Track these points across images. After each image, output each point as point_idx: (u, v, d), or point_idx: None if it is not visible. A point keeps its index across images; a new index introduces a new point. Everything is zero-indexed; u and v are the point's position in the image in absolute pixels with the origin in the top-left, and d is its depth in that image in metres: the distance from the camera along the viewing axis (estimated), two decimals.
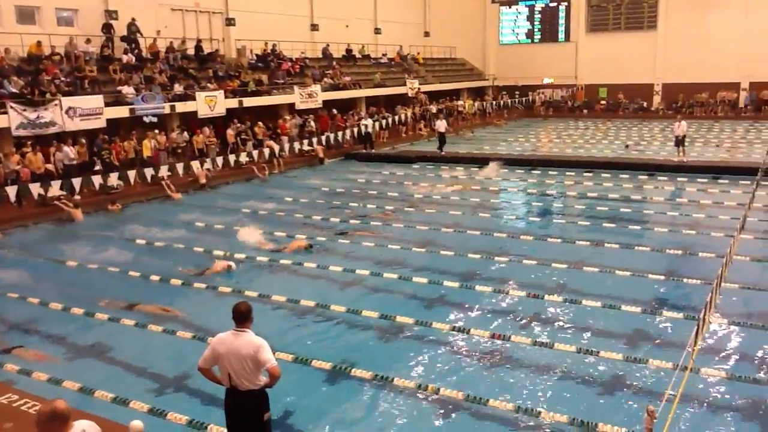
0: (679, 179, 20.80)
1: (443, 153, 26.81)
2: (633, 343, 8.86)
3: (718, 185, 19.63)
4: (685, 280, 11.26)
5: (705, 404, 7.29)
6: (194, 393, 7.76)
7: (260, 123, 25.75)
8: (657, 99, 42.48)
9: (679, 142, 23.16)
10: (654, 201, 18.16)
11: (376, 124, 29.93)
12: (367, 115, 30.76)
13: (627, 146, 28.58)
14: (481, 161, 24.81)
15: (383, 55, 39.10)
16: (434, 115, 34.11)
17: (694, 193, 18.93)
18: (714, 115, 39.01)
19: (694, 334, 5.88)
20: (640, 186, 20.13)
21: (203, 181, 21.49)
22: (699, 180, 20.38)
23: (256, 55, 29.89)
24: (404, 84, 36.21)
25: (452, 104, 38.60)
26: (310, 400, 7.59)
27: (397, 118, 32.36)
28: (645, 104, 42.45)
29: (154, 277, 12.16)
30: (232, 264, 12.44)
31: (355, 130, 28.47)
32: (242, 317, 5.61)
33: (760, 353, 8.52)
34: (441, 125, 27.73)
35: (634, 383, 7.77)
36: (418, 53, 42.17)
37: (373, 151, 28.24)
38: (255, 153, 23.46)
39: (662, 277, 11.43)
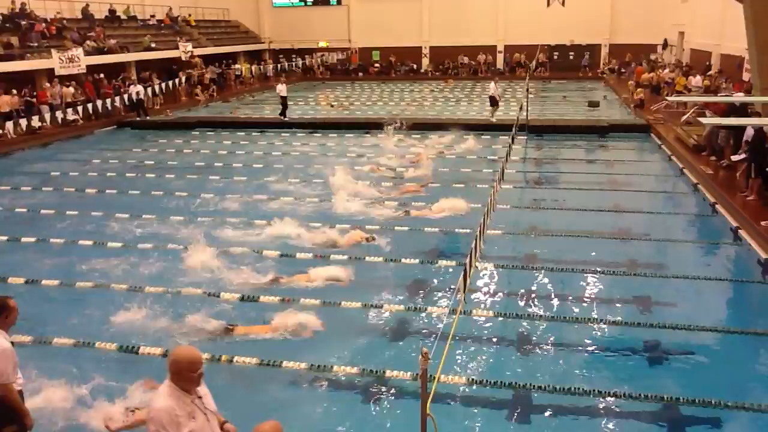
0: (447, 135, 22.26)
1: (287, 119, 25.75)
2: (413, 293, 9.50)
3: (481, 141, 21.35)
4: (456, 230, 12.23)
5: (477, 342, 8.08)
6: None
7: None
8: (425, 61, 44.99)
9: (493, 102, 24.42)
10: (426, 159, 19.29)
11: (149, 89, 28.36)
12: (135, 81, 28.99)
13: (332, 106, 30.75)
14: (262, 126, 24.73)
15: (151, 16, 36.90)
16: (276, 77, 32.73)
17: (461, 148, 20.39)
18: (476, 76, 42.22)
19: (462, 279, 6.47)
20: (413, 144, 21.25)
21: None
22: (464, 137, 21.97)
23: (2, 14, 26.68)
24: (177, 47, 34.57)
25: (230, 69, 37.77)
26: None
27: (172, 83, 30.88)
28: (415, 66, 44.80)
29: None
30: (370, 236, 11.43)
31: (126, 96, 26.75)
32: None
33: (522, 291, 9.58)
34: (282, 89, 26.00)
35: (416, 330, 8.36)
36: (190, 15, 40.36)
37: (148, 118, 26.82)
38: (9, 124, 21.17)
39: (436, 230, 12.30)
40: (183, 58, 34.67)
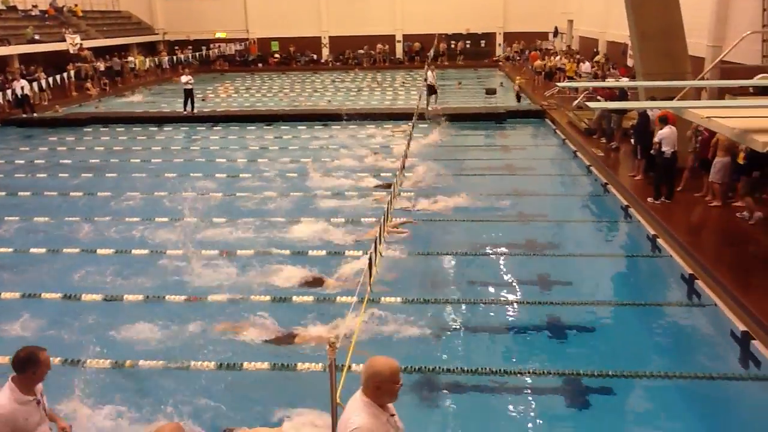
0: (349, 126, 22.35)
1: (189, 112, 24.77)
2: (321, 284, 9.48)
3: (383, 130, 21.51)
4: (362, 219, 12.29)
5: (386, 328, 8.15)
6: None
7: None
8: (325, 51, 44.80)
9: (431, 90, 24.54)
10: (330, 148, 19.25)
11: (35, 84, 26.87)
12: (18, 75, 27.38)
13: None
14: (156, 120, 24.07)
15: (33, 6, 34.92)
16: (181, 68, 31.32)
17: (365, 138, 20.51)
18: (375, 65, 42.49)
19: (367, 267, 6.54)
20: (317, 136, 21.16)
21: None
22: (368, 126, 22.10)
23: None
24: (63, 39, 32.86)
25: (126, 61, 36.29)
26: None
27: (60, 77, 29.30)
28: (315, 57, 44.52)
29: None
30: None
31: (9, 92, 25.23)
32: None
33: (428, 276, 9.79)
34: (188, 80, 24.63)
35: (327, 322, 8.35)
36: (76, 5, 38.48)
37: (35, 114, 25.42)
38: None
39: (342, 220, 12.32)
40: (71, 51, 32.99)
